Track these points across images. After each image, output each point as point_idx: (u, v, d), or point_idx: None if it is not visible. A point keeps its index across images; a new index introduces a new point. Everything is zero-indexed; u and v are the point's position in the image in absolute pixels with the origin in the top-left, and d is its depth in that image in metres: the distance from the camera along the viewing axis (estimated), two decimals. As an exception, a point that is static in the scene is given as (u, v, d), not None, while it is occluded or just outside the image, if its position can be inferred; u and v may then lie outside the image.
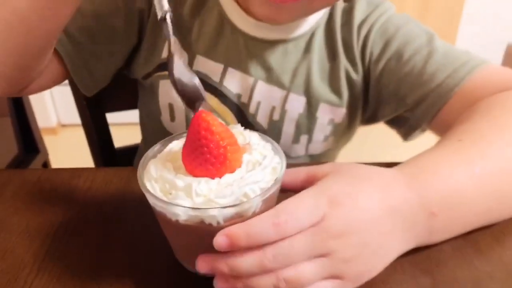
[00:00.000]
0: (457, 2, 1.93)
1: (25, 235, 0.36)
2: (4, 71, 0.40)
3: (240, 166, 0.28)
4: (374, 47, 0.50)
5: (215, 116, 0.28)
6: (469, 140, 0.35)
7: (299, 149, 0.54)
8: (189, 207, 0.26)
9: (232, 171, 0.28)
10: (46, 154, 1.19)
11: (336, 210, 0.27)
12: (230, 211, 0.26)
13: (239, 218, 0.27)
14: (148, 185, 0.28)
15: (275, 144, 0.31)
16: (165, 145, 0.32)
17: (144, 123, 0.62)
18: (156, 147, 0.32)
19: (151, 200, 0.27)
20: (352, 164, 0.32)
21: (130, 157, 0.72)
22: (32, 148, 1.14)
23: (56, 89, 1.58)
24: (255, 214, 0.27)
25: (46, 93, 1.94)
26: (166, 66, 0.50)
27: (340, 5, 0.52)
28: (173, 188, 0.27)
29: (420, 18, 1.96)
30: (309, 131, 0.53)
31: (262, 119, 0.52)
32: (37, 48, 0.40)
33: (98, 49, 0.50)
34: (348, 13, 0.51)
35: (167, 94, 0.52)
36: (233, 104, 0.52)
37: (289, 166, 0.31)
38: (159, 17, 0.32)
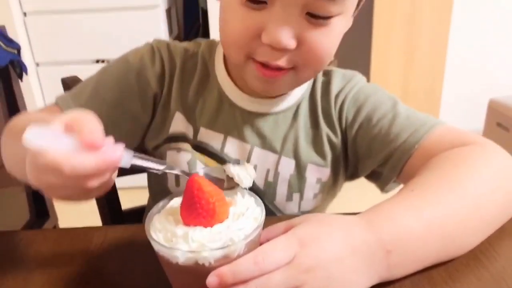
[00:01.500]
0: (439, 59, 2.06)
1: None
2: None
3: (227, 217, 0.35)
4: (348, 114, 0.58)
5: (206, 179, 0.35)
6: (420, 190, 0.42)
7: (293, 207, 0.61)
8: (186, 251, 0.32)
9: (221, 221, 0.35)
10: (56, 219, 1.25)
11: (305, 250, 0.34)
12: (219, 253, 0.33)
13: (227, 259, 0.33)
14: (154, 235, 0.35)
15: (258, 198, 0.39)
16: (167, 202, 0.39)
17: (151, 186, 0.69)
18: (160, 204, 0.39)
19: (156, 247, 0.34)
20: (320, 213, 0.39)
21: (136, 217, 0.79)
22: (43, 213, 1.21)
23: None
24: (239, 256, 0.33)
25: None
26: (173, 138, 0.58)
27: (319, 79, 0.61)
28: (173, 236, 0.34)
29: (405, 75, 2.09)
30: (300, 190, 0.59)
31: (258, 180, 0.59)
32: None
33: (119, 131, 0.55)
34: (327, 85, 0.60)
35: (173, 164, 0.58)
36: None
37: (276, 220, 0.38)
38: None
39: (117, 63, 0.60)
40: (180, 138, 0.59)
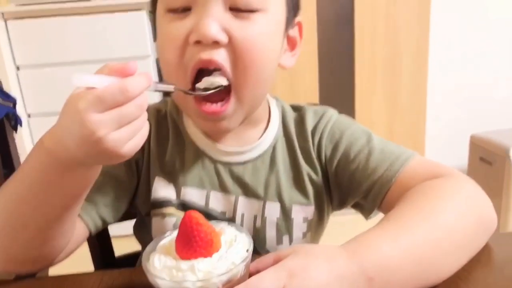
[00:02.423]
0: (420, 98, 2.14)
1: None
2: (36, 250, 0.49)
3: (221, 246, 0.39)
4: (326, 150, 0.61)
5: (200, 213, 0.38)
6: (396, 221, 0.45)
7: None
8: (196, 281, 0.35)
9: (217, 250, 0.38)
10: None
11: (294, 280, 0.36)
12: (225, 277, 0.36)
13: (231, 282, 0.36)
14: (159, 275, 0.37)
15: (238, 225, 0.43)
16: (155, 245, 0.42)
17: (142, 239, 0.69)
18: (149, 248, 0.42)
19: (165, 285, 0.36)
20: (307, 244, 0.41)
21: (129, 264, 0.80)
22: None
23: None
24: (241, 277, 0.37)
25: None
26: (157, 204, 0.60)
27: (290, 116, 0.64)
28: (179, 271, 0.36)
29: (388, 116, 2.16)
30: (289, 231, 0.61)
31: (247, 228, 0.60)
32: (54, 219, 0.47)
33: (107, 197, 0.58)
34: (300, 123, 0.63)
35: (159, 229, 0.59)
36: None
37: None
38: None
39: None
40: (164, 203, 0.59)
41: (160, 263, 0.38)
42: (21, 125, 1.14)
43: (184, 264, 0.37)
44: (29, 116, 1.87)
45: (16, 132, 1.15)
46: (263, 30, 0.51)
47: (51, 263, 0.53)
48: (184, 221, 0.38)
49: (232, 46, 0.50)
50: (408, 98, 2.13)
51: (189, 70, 0.51)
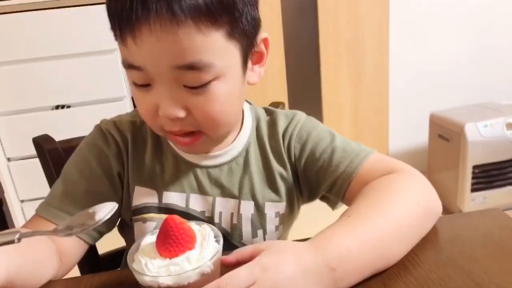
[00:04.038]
0: (383, 83, 2.24)
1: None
2: None
3: (196, 241, 0.44)
4: (295, 150, 0.68)
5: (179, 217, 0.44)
6: (354, 216, 0.52)
7: (259, 242, 0.67)
8: (194, 268, 0.41)
9: (194, 246, 0.44)
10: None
11: (266, 274, 0.42)
12: (213, 260, 0.43)
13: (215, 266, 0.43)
14: (140, 269, 0.42)
15: (210, 225, 0.48)
16: (140, 242, 0.47)
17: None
18: (134, 245, 0.47)
19: (146, 280, 0.41)
20: (279, 241, 0.48)
21: (114, 261, 0.84)
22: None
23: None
24: (214, 268, 0.43)
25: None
26: (137, 211, 0.65)
27: (263, 120, 0.70)
28: (176, 265, 0.42)
29: (354, 101, 2.25)
30: (263, 226, 0.67)
31: (225, 224, 0.67)
32: None
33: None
34: (272, 125, 0.69)
35: (140, 233, 0.64)
36: (200, 220, 0.66)
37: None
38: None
39: (75, 158, 0.66)
40: (144, 209, 0.64)
41: (143, 259, 0.43)
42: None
43: (178, 259, 0.42)
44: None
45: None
46: (221, 95, 0.54)
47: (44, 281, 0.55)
48: (167, 222, 0.43)
49: (193, 115, 0.54)
50: (371, 79, 2.22)
51: (164, 129, 0.57)
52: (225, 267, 0.46)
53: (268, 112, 0.71)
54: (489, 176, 1.89)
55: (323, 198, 0.70)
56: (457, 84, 2.35)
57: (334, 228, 0.50)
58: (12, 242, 0.41)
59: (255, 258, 0.45)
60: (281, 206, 0.68)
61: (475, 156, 1.84)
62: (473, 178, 1.88)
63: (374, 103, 2.26)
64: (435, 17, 2.23)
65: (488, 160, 1.86)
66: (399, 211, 0.53)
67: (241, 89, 0.58)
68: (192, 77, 0.51)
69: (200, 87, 0.52)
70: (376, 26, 2.13)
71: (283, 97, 2.11)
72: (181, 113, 0.53)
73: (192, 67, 0.50)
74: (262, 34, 0.58)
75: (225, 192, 0.66)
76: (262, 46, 0.59)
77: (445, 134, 1.96)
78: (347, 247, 0.47)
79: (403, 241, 0.52)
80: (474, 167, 1.86)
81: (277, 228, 0.69)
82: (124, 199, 0.66)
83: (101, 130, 0.66)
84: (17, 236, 0.41)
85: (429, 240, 0.55)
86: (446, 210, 2.01)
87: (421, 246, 0.54)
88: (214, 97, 0.53)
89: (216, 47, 0.51)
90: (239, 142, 0.67)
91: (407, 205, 0.54)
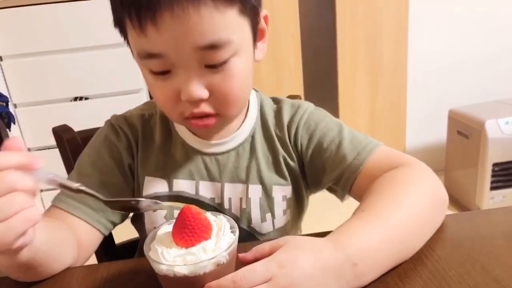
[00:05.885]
0: (401, 77, 2.20)
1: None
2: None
3: (212, 232, 0.44)
4: (302, 140, 0.68)
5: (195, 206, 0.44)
6: (370, 210, 0.51)
7: (268, 226, 0.69)
8: (210, 258, 0.41)
9: (210, 237, 0.44)
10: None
11: (282, 271, 0.41)
12: (228, 250, 0.42)
13: (231, 256, 0.43)
14: (157, 258, 0.42)
15: (226, 216, 0.47)
16: (157, 231, 0.47)
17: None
18: (151, 235, 0.47)
19: (162, 268, 0.41)
20: (298, 237, 0.47)
21: (129, 250, 0.85)
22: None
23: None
24: (230, 259, 0.43)
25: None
26: (152, 199, 0.65)
27: (269, 107, 0.71)
28: (192, 255, 0.42)
29: (372, 95, 2.22)
30: (271, 209, 0.68)
31: (235, 210, 0.67)
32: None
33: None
34: (278, 114, 0.70)
35: (151, 222, 0.66)
36: (210, 206, 0.68)
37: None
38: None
39: (88, 151, 0.68)
40: (154, 199, 0.65)
41: (160, 248, 0.43)
42: (14, 123, 1.16)
43: (194, 248, 0.42)
44: (15, 106, 1.87)
45: (10, 130, 1.17)
46: (239, 71, 0.55)
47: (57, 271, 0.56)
48: (184, 211, 0.43)
49: (216, 97, 0.56)
50: (389, 74, 2.18)
51: (184, 115, 0.58)
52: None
53: (275, 101, 0.72)
54: (509, 174, 1.85)
55: (330, 190, 0.70)
56: (477, 79, 2.29)
57: (351, 223, 0.50)
58: (71, 189, 0.46)
59: (273, 254, 0.44)
60: (288, 190, 0.69)
61: (495, 154, 1.80)
62: (492, 176, 1.84)
63: (392, 98, 2.23)
64: (455, 12, 2.18)
65: (509, 158, 1.82)
66: (413, 204, 0.52)
67: (252, 65, 0.60)
68: (213, 56, 0.52)
69: (219, 66, 0.53)
70: (395, 20, 2.09)
71: (299, 91, 2.09)
72: (205, 93, 0.54)
73: (213, 46, 0.51)
74: (263, 11, 0.60)
75: (233, 178, 0.67)
76: (263, 23, 0.61)
77: (465, 131, 1.92)
78: (368, 241, 0.47)
79: (419, 233, 0.52)
80: (494, 164, 1.82)
81: (284, 212, 0.69)
82: (135, 190, 0.68)
83: (112, 125, 0.68)
84: (78, 185, 0.46)
85: (448, 237, 0.55)
86: (464, 208, 1.97)
87: (440, 243, 0.53)
88: (233, 74, 0.55)
89: (232, 23, 0.52)
90: (245, 128, 0.68)
91: (420, 198, 0.53)
